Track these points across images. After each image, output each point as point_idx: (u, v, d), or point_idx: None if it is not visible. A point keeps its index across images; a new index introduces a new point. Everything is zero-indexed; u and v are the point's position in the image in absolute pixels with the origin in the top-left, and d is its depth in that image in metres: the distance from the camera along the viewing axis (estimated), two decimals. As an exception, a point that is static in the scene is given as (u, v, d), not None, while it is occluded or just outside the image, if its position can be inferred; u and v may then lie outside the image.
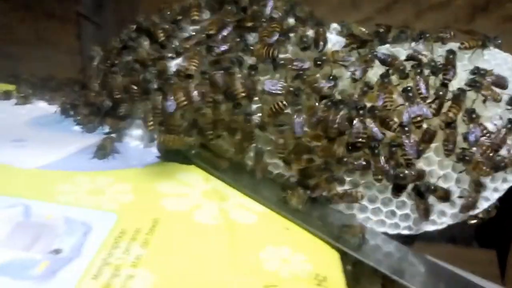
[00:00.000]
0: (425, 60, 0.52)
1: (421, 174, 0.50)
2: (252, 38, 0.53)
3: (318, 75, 0.51)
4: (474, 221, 0.53)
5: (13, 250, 0.37)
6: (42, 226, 0.40)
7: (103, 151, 0.51)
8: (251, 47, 0.51)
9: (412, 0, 1.15)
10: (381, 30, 0.57)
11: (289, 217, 0.49)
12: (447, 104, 0.50)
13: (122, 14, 1.26)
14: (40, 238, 0.39)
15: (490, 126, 0.51)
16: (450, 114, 0.49)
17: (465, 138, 0.50)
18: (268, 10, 0.56)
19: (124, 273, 0.37)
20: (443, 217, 0.53)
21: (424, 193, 0.50)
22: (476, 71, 0.51)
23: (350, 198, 0.51)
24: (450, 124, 0.49)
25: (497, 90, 0.52)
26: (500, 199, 0.54)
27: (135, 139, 0.58)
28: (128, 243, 0.40)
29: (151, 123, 0.50)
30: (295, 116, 0.49)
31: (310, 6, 0.64)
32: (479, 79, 0.51)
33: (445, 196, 0.51)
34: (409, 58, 0.53)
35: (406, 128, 0.49)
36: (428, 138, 0.49)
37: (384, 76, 0.51)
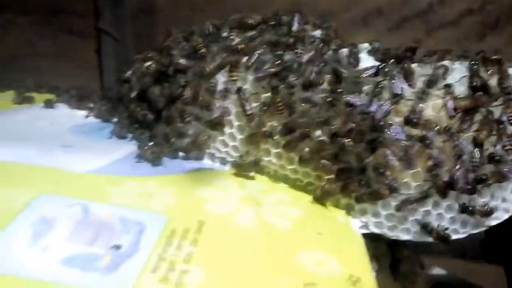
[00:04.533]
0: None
1: None
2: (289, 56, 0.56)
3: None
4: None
5: (78, 245, 0.40)
6: (100, 224, 0.43)
7: (156, 160, 0.55)
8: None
9: (423, 18, 1.18)
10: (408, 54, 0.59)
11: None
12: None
13: (140, 28, 1.30)
14: (100, 235, 0.42)
15: None
16: (481, 136, 0.51)
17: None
18: (295, 26, 0.60)
19: (179, 268, 0.40)
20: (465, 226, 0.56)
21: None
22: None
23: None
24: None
25: None
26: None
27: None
28: (179, 241, 0.43)
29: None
30: None
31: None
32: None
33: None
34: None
35: None
36: None
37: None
